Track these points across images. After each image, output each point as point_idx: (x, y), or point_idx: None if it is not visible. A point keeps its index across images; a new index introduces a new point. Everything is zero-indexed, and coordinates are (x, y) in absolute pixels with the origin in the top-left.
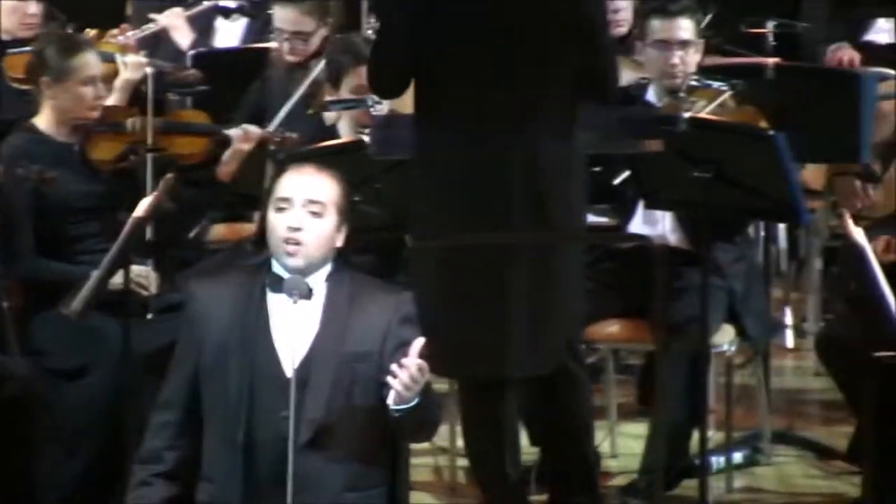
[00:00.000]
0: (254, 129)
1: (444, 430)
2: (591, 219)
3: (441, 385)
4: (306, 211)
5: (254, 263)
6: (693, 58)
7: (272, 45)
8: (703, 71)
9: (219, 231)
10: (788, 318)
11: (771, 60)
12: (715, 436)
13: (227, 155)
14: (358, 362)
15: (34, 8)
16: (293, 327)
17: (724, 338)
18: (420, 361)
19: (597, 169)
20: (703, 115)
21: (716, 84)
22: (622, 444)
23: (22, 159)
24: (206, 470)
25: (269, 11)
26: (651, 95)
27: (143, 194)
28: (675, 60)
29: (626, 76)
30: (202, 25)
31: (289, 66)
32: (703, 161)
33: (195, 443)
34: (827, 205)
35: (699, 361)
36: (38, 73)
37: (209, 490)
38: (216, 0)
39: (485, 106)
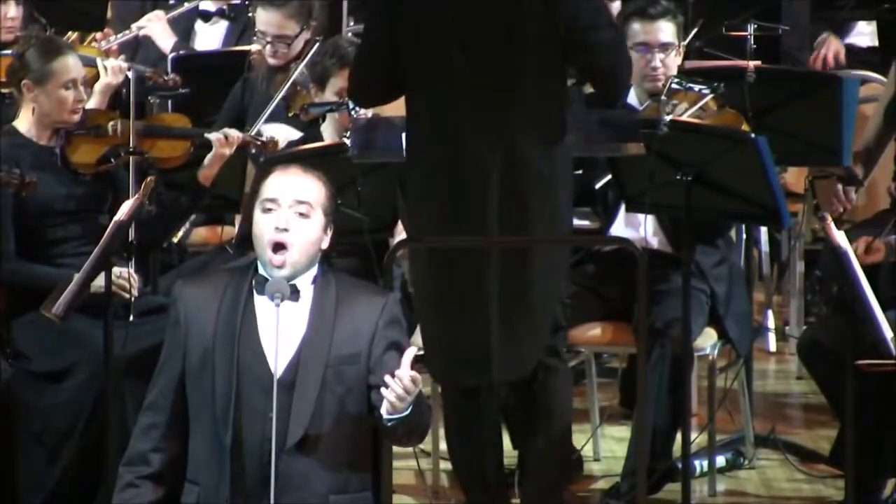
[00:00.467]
0: (234, 133)
1: None
2: (573, 222)
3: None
4: (293, 212)
5: (240, 265)
6: (674, 61)
7: (253, 48)
8: (684, 74)
9: (199, 234)
10: (771, 322)
11: (752, 63)
12: (698, 439)
13: (208, 158)
14: (345, 364)
15: (14, 11)
16: (280, 329)
17: (707, 341)
18: (414, 373)
19: (578, 172)
20: (684, 118)
21: (697, 87)
22: (605, 448)
23: (2, 163)
24: (193, 472)
25: (250, 14)
26: (632, 98)
27: (124, 197)
28: (656, 63)
29: None
30: (182, 29)
31: (269, 68)
32: (684, 164)
33: (181, 445)
34: (808, 208)
35: (681, 365)
36: (19, 76)
37: (195, 492)
38: (197, 3)
39: (465, 111)
